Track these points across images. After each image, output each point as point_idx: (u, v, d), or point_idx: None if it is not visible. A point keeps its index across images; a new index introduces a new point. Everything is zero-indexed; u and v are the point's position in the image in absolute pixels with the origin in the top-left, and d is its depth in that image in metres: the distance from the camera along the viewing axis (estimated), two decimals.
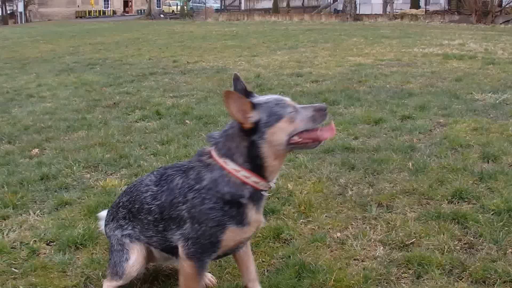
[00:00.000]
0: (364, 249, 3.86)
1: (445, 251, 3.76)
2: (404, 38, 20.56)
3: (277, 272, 3.54)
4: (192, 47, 19.19)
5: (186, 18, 52.69)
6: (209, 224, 2.89)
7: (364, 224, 4.25)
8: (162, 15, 62.70)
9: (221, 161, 2.90)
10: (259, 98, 2.90)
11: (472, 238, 3.96)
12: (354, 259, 3.72)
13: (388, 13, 43.36)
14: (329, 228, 4.19)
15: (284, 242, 3.99)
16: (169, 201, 3.00)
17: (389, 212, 4.46)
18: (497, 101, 8.49)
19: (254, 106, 2.82)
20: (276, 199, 4.73)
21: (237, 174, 2.87)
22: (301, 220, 4.33)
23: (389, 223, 4.24)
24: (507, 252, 3.73)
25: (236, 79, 3.01)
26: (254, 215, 2.97)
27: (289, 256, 3.73)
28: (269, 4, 56.82)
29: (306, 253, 3.79)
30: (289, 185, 4.99)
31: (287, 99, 2.88)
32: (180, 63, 14.62)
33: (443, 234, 3.98)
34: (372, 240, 3.96)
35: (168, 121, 7.71)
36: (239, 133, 2.85)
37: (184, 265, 3.00)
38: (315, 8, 57.66)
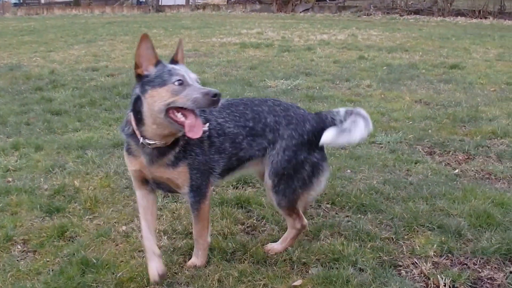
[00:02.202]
0: None
1: (228, 235, 3.94)
2: (204, 28, 20.99)
3: (61, 271, 3.49)
4: None
5: None
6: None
7: None
8: None
9: (130, 112, 3.13)
10: (165, 63, 3.06)
11: (255, 221, 4.21)
12: (139, 251, 3.77)
13: (190, 4, 43.83)
14: (115, 222, 4.21)
15: (69, 240, 3.95)
16: None
17: (175, 201, 4.58)
18: (289, 87, 9.03)
19: (157, 63, 3.01)
20: (62, 197, 4.65)
21: (132, 122, 3.10)
22: (86, 217, 4.30)
23: (174, 212, 4.37)
24: None
25: (180, 42, 3.28)
26: (145, 157, 3.19)
27: (74, 254, 3.70)
28: None
29: (90, 249, 3.79)
30: (75, 182, 4.91)
31: (186, 74, 2.97)
32: None
33: (227, 219, 4.17)
34: (157, 231, 4.02)
35: None
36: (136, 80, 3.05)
37: (205, 206, 3.44)
38: (117, 0, 56.57)
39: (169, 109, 2.92)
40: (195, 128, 2.93)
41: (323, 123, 3.51)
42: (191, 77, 3.00)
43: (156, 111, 2.93)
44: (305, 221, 3.72)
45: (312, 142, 3.46)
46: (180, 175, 3.25)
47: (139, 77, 3.02)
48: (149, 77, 2.98)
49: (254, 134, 3.45)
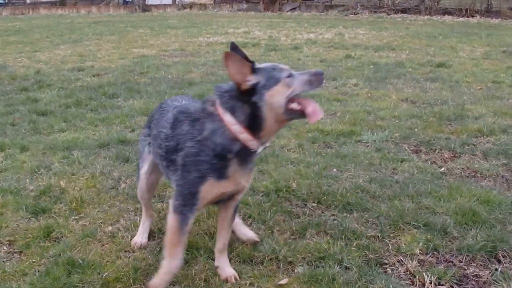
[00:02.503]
0: None
1: (214, 235, 3.91)
2: (191, 28, 20.96)
3: (47, 272, 3.48)
4: None
5: None
6: (194, 175, 3.03)
7: (136, 215, 4.30)
8: None
9: (222, 112, 2.99)
10: (257, 65, 3.01)
11: (242, 220, 4.15)
12: (125, 251, 3.76)
13: (177, 3, 43.73)
14: (101, 223, 4.19)
15: (55, 241, 3.92)
16: (174, 147, 3.16)
17: (161, 201, 4.58)
18: None
19: (254, 70, 2.94)
20: (48, 197, 4.62)
21: (231, 126, 2.97)
22: (72, 217, 4.28)
23: (160, 212, 4.36)
24: (274, 230, 4.02)
25: (234, 48, 3.12)
26: (237, 172, 3.07)
27: (60, 254, 3.68)
28: None
29: (76, 249, 3.77)
30: (61, 183, 4.89)
31: (284, 66, 3.01)
32: None
33: (213, 219, 4.17)
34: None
35: None
36: (239, 95, 2.95)
37: (170, 219, 3.18)
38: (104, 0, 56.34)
39: (288, 102, 2.95)
40: (317, 112, 2.98)
41: None
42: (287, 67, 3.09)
43: (277, 108, 2.94)
44: None
45: None
46: (250, 177, 3.33)
47: (246, 91, 2.93)
48: (260, 83, 2.93)
49: None
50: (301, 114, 2.97)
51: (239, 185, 3.17)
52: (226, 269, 3.47)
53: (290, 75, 2.97)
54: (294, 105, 2.96)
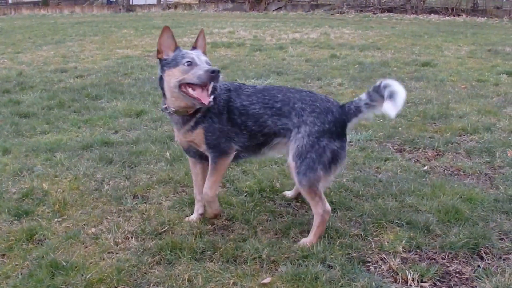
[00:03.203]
0: (118, 241, 3.91)
1: (197, 235, 3.94)
2: (176, 28, 20.87)
3: (30, 274, 3.47)
4: None
5: None
6: None
7: (119, 217, 4.30)
8: None
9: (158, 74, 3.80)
10: (181, 49, 3.74)
11: (225, 221, 4.21)
12: (108, 253, 3.76)
13: (162, 3, 43.61)
14: (84, 224, 4.18)
15: (38, 243, 3.91)
16: None
17: (144, 202, 4.57)
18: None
19: (175, 49, 3.70)
20: (31, 200, 4.60)
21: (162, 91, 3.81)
22: (55, 219, 4.26)
23: (143, 213, 4.35)
24: (257, 230, 4.03)
25: (201, 32, 3.92)
26: (175, 126, 3.94)
27: (43, 257, 3.67)
28: None
29: (59, 251, 3.76)
30: (44, 185, 4.86)
31: (196, 57, 3.63)
32: None
33: (197, 219, 4.18)
34: (126, 232, 4.02)
35: None
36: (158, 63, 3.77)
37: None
38: None
39: (181, 85, 3.61)
40: (202, 98, 3.58)
41: (345, 115, 3.87)
42: (201, 59, 3.64)
43: (172, 86, 3.66)
44: (328, 206, 3.86)
45: (333, 131, 3.80)
46: (197, 136, 3.85)
47: (160, 60, 3.73)
48: (167, 60, 3.69)
49: (279, 114, 3.87)
50: (191, 97, 3.61)
51: (182, 137, 3.94)
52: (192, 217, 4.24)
53: (190, 64, 3.59)
54: (189, 90, 3.61)
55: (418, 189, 4.66)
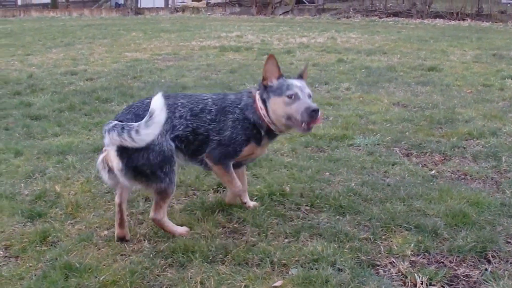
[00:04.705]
0: (131, 244, 3.97)
1: (209, 238, 4.00)
2: (184, 32, 20.93)
3: (44, 276, 3.52)
4: None
5: None
6: (241, 137, 4.03)
7: (131, 219, 4.35)
8: None
9: (257, 97, 4.07)
10: (285, 77, 4.06)
11: (236, 224, 4.27)
12: (121, 255, 3.81)
13: (170, 6, 43.69)
14: (97, 227, 4.24)
15: (51, 245, 3.97)
16: (223, 108, 4.06)
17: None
18: None
19: (279, 77, 3.99)
20: (43, 202, 4.67)
21: (260, 111, 4.02)
22: (68, 222, 4.32)
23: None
24: (268, 233, 4.09)
25: (306, 66, 4.35)
26: (266, 144, 4.21)
27: (56, 258, 3.72)
28: None
29: (73, 253, 3.82)
30: (56, 187, 4.93)
31: (300, 90, 3.92)
32: None
33: (208, 223, 4.23)
34: (139, 235, 4.09)
35: None
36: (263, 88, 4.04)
37: (216, 169, 4.17)
38: (96, 2, 56.18)
39: (290, 118, 3.90)
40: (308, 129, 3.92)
41: None
42: (304, 92, 3.92)
43: (278, 115, 3.96)
44: None
45: None
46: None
47: (265, 87, 4.00)
48: (272, 87, 3.97)
49: None
50: (294, 126, 3.93)
51: (263, 152, 4.36)
52: (250, 203, 4.50)
53: (292, 97, 3.86)
54: (289, 121, 3.91)
55: (426, 193, 4.71)
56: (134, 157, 3.73)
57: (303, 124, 3.84)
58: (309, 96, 3.95)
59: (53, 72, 11.54)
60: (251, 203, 4.52)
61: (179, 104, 4.07)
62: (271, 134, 4.13)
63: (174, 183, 3.94)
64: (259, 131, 4.07)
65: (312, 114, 3.80)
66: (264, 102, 4.01)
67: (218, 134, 4.03)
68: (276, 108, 3.94)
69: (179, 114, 4.02)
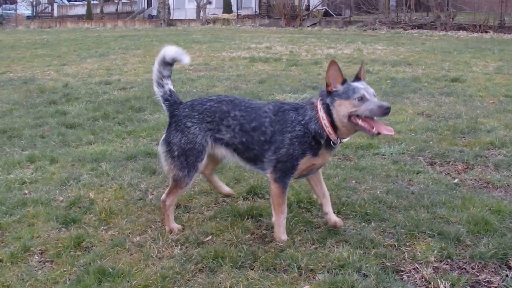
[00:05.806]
0: (162, 250, 4.06)
1: (238, 245, 4.08)
2: (214, 43, 21.13)
3: (78, 280, 3.63)
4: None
5: None
6: (298, 151, 3.98)
7: (163, 226, 4.44)
8: None
9: (319, 107, 3.98)
10: (349, 81, 3.97)
11: (265, 231, 4.34)
12: (153, 260, 3.90)
13: (201, 18, 44.05)
14: (129, 233, 4.34)
15: (85, 250, 4.08)
16: (281, 130, 4.03)
17: (187, 212, 4.74)
18: (296, 100, 9.14)
19: (343, 82, 3.92)
20: (78, 208, 4.80)
21: (322, 120, 3.95)
22: (102, 227, 4.43)
23: (186, 222, 4.52)
24: (296, 240, 4.16)
25: (362, 63, 4.17)
26: (324, 153, 4.07)
27: (90, 263, 3.83)
28: (82, 11, 55.15)
29: (106, 258, 3.92)
30: (90, 194, 5.06)
31: (366, 91, 3.84)
32: None
33: (238, 229, 4.31)
34: (170, 241, 4.17)
35: None
36: (327, 95, 3.96)
37: (273, 188, 4.10)
38: (129, 14, 57.00)
39: (351, 116, 3.83)
40: (385, 127, 3.88)
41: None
42: (369, 92, 3.86)
43: (341, 116, 3.87)
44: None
45: None
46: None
47: (329, 92, 3.94)
48: (337, 92, 3.90)
49: None
50: (361, 128, 3.86)
51: (324, 160, 4.20)
52: (332, 217, 4.31)
53: (361, 99, 3.80)
54: (360, 122, 3.83)
55: (449, 201, 4.75)
56: (172, 134, 4.29)
57: (374, 128, 3.81)
58: (374, 95, 3.91)
59: (88, 82, 11.81)
60: (334, 218, 4.36)
61: (232, 115, 4.19)
62: (329, 145, 4.02)
63: (191, 178, 4.23)
64: (318, 141, 3.99)
65: (386, 112, 3.79)
66: (326, 110, 3.96)
67: (274, 153, 4.07)
68: (341, 109, 3.86)
69: (227, 124, 4.21)
